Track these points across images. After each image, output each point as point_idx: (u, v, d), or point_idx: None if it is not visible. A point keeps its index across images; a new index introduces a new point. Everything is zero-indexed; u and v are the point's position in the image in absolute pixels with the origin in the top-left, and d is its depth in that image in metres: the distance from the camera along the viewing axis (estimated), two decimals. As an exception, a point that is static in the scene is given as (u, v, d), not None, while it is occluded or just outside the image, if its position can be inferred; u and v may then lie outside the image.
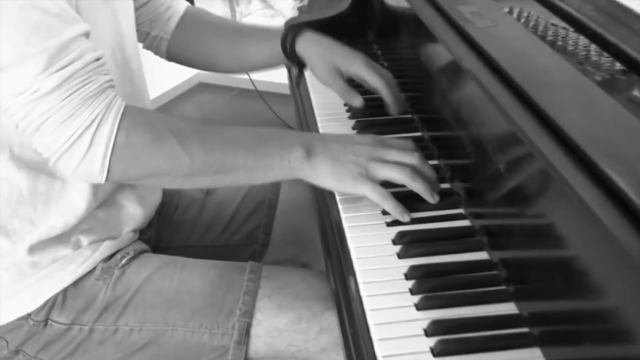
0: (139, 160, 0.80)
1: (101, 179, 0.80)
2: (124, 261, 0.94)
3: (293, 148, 0.82)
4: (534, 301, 0.66)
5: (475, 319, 0.67)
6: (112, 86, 0.82)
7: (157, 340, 0.91)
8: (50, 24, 0.76)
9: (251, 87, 2.42)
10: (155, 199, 1.05)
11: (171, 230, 1.13)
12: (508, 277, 0.71)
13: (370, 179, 0.81)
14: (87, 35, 0.81)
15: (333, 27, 1.37)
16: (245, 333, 0.90)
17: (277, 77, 1.81)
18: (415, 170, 0.82)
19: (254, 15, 2.53)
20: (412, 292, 0.71)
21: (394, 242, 0.79)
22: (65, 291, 0.92)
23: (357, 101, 1.01)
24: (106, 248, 0.95)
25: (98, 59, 0.80)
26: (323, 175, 0.82)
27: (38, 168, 0.88)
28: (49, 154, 0.79)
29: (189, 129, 0.81)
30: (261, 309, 0.91)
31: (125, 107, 0.80)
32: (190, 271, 0.95)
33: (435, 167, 0.88)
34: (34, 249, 0.91)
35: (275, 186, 1.16)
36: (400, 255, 0.76)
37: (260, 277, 0.93)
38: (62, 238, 0.92)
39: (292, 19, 1.39)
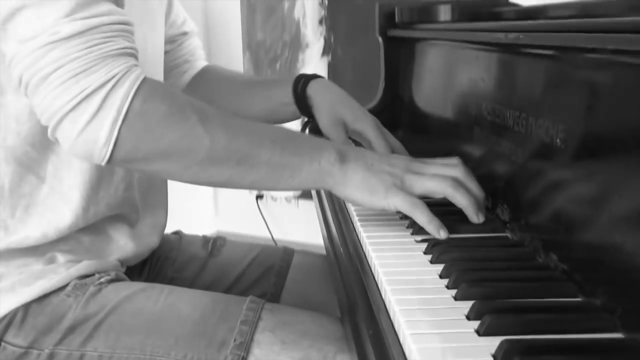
0: (153, 133, 0.68)
1: (105, 152, 0.67)
2: (102, 280, 0.80)
3: (325, 150, 0.72)
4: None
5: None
6: (136, 57, 0.73)
7: (129, 373, 0.74)
8: None
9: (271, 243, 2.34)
10: (152, 240, 0.93)
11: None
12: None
13: (404, 190, 0.70)
14: (120, 3, 0.74)
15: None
16: (239, 370, 0.73)
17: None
18: (458, 182, 0.70)
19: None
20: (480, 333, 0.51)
21: (441, 277, 0.63)
22: (26, 307, 0.78)
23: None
24: (84, 266, 0.81)
25: (128, 25, 0.72)
26: (353, 185, 0.71)
27: (28, 166, 0.78)
28: (51, 113, 0.67)
29: (213, 112, 0.72)
30: (260, 344, 0.74)
31: (146, 77, 0.70)
32: (180, 295, 0.80)
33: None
34: (0, 257, 0.77)
35: (287, 253, 1.03)
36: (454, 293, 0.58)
37: (262, 309, 0.78)
38: (36, 251, 0.79)
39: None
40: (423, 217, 0.68)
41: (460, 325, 0.52)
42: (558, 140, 0.62)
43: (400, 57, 1.30)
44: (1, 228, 0.79)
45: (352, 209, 0.84)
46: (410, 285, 0.60)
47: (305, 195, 2.47)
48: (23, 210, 0.79)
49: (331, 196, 0.94)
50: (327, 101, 0.98)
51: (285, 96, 1.00)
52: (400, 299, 0.56)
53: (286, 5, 2.43)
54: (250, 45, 2.51)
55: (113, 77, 0.67)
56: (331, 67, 2.37)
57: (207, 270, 1.01)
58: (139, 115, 0.67)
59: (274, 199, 2.53)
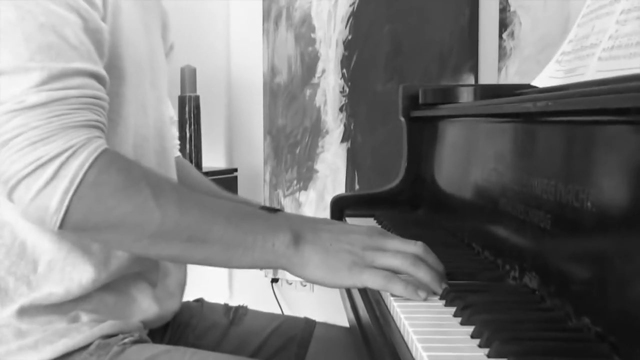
0: (104, 205, 0.70)
1: (56, 220, 0.69)
2: (126, 340, 0.79)
3: (280, 231, 0.73)
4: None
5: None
6: (103, 130, 0.75)
7: None
8: (64, 50, 0.73)
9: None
10: (174, 302, 0.92)
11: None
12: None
13: (367, 267, 0.70)
14: (101, 80, 0.77)
15: (384, 203, 1.34)
16: None
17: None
18: (419, 259, 0.71)
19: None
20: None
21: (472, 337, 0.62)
22: (50, 365, 0.76)
23: None
24: (108, 326, 0.80)
25: (100, 99, 0.75)
26: (312, 266, 0.72)
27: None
28: (7, 177, 0.70)
29: (169, 186, 0.74)
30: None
31: (107, 148, 0.72)
32: (204, 358, 0.79)
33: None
34: (24, 313, 0.77)
35: (309, 324, 1.02)
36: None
37: (285, 374, 0.76)
38: (60, 309, 0.79)
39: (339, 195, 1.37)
40: (398, 288, 0.69)
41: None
42: (589, 204, 0.62)
43: (422, 137, 1.32)
44: (24, 283, 0.79)
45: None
46: (442, 344, 0.59)
47: (322, 279, 2.45)
48: (45, 265, 0.80)
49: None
50: None
51: None
52: (433, 357, 0.55)
53: (308, 92, 2.49)
54: (271, 130, 2.56)
55: (71, 147, 0.70)
56: (350, 153, 2.41)
57: (229, 338, 1.00)
58: (91, 186, 0.69)
59: (289, 282, 2.51)
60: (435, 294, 0.72)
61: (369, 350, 0.72)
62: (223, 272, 2.57)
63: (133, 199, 0.70)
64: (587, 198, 0.62)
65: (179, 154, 1.12)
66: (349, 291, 0.96)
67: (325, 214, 2.48)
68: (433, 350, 0.57)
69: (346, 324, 1.07)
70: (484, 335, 0.58)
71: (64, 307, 0.80)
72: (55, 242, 0.80)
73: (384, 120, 2.31)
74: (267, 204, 2.56)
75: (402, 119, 1.37)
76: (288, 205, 2.52)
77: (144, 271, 0.88)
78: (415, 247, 0.72)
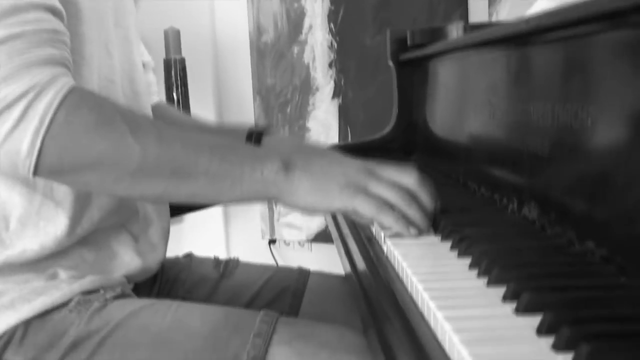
0: (79, 144, 0.65)
1: (29, 164, 0.63)
2: (107, 296, 0.76)
3: (268, 159, 0.69)
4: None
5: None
6: (67, 67, 0.69)
7: (135, 392, 0.69)
8: None
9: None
10: (157, 255, 0.88)
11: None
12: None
13: (360, 191, 0.66)
14: (57, 13, 0.71)
15: (376, 151, 1.30)
16: (254, 386, 0.67)
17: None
18: (412, 195, 0.67)
19: (292, 214, 2.47)
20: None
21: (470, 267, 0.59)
22: (27, 324, 0.73)
23: None
24: (88, 282, 0.77)
25: (58, 33, 0.69)
26: (302, 191, 0.68)
27: (14, 176, 0.75)
28: None
29: (146, 120, 0.69)
30: (276, 356, 0.69)
31: (75, 86, 0.67)
32: (189, 310, 0.75)
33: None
34: None
35: (303, 274, 0.98)
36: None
37: (277, 322, 0.73)
38: (36, 266, 0.75)
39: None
40: (389, 219, 0.66)
41: (496, 308, 0.48)
42: (589, 122, 0.58)
43: (413, 81, 1.28)
44: None
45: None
46: (439, 276, 0.56)
47: (319, 238, 2.42)
48: (17, 221, 0.76)
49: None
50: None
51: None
52: (429, 288, 0.52)
53: (296, 50, 2.43)
54: (261, 90, 2.50)
55: (36, 85, 0.64)
56: (342, 109, 2.36)
57: (219, 291, 0.96)
58: (63, 125, 0.64)
59: (286, 243, 2.48)
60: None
61: (365, 294, 0.69)
62: (220, 234, 2.55)
63: (109, 135, 0.65)
64: (587, 116, 0.59)
65: (157, 99, 1.06)
66: (342, 237, 0.93)
67: (319, 172, 2.45)
68: (429, 283, 0.53)
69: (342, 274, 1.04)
70: (482, 264, 0.55)
71: (41, 265, 0.76)
72: (25, 195, 0.76)
73: (374, 74, 2.26)
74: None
75: (391, 63, 1.32)
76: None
77: (123, 222, 0.84)
78: (410, 178, 0.68)
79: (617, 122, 0.54)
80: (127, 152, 0.65)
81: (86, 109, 0.65)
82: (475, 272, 0.56)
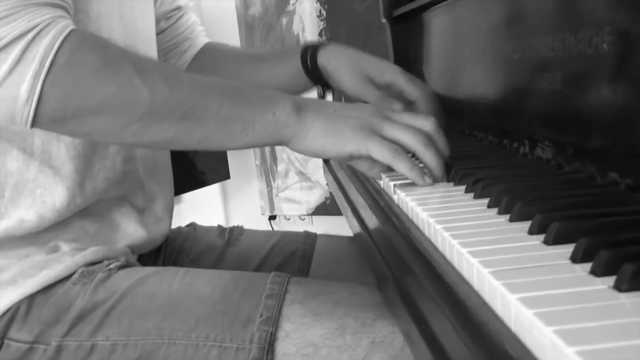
0: (82, 88, 0.60)
1: (28, 112, 0.59)
2: (112, 266, 0.73)
3: (280, 101, 0.66)
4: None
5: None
6: (67, 11, 0.65)
7: (147, 360, 0.67)
8: None
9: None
10: (162, 227, 0.86)
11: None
12: None
13: (374, 134, 0.63)
14: None
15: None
16: (268, 347, 0.65)
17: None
18: (430, 140, 0.64)
19: (291, 188, 2.45)
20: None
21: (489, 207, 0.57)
22: (30, 299, 0.70)
23: (397, 107, 0.85)
24: (91, 253, 0.74)
25: None
26: (314, 133, 0.65)
27: (10, 140, 0.72)
28: None
29: (152, 63, 0.65)
30: (290, 317, 0.67)
31: (75, 28, 0.62)
32: (197, 276, 0.73)
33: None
34: None
35: (310, 237, 0.96)
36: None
37: (288, 282, 0.70)
38: (37, 240, 0.73)
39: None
40: (404, 165, 0.62)
41: (524, 241, 0.45)
42: (605, 46, 0.55)
43: (408, 38, 1.25)
44: None
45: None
46: (458, 217, 0.53)
47: (319, 211, 2.40)
48: (12, 189, 0.72)
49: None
50: (345, 64, 0.91)
51: (294, 71, 0.94)
52: (449, 228, 0.49)
53: (284, 21, 2.39)
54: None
55: (35, 26, 0.60)
56: (335, 78, 2.32)
57: (226, 259, 0.93)
58: (64, 68, 0.59)
59: (287, 218, 2.46)
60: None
61: (379, 248, 0.66)
62: (219, 212, 2.52)
63: (114, 77, 0.61)
64: (602, 40, 0.55)
65: (206, 39, 1.03)
66: (348, 197, 0.90)
67: (316, 144, 2.41)
68: (449, 224, 0.50)
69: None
70: (503, 202, 0.52)
71: (42, 238, 0.74)
72: (22, 161, 0.73)
73: (365, 40, 2.22)
74: (256, 141, 2.49)
75: (385, 20, 1.29)
76: (277, 140, 2.44)
77: (126, 195, 0.81)
78: (427, 122, 0.66)
79: (636, 40, 0.51)
80: (135, 95, 0.61)
81: (89, 50, 0.61)
82: (494, 211, 0.53)
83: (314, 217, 2.40)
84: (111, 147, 0.78)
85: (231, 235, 0.96)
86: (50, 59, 0.59)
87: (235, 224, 1.00)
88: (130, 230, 0.80)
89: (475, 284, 0.42)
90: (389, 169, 0.67)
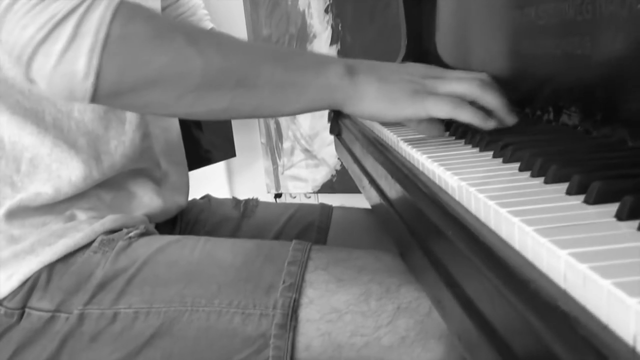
0: (138, 59, 0.60)
1: (88, 86, 0.58)
2: (131, 234, 0.72)
3: (332, 64, 0.66)
4: None
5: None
6: None
7: (170, 327, 0.66)
8: None
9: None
10: (179, 198, 0.85)
11: None
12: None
13: (430, 94, 0.63)
14: None
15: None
16: (292, 314, 0.64)
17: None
18: (485, 84, 0.64)
19: (297, 166, 2.44)
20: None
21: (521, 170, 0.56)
22: (50, 268, 0.70)
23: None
24: (110, 221, 0.73)
25: None
26: (370, 97, 0.64)
27: (24, 116, 0.71)
28: (21, 48, 0.59)
29: (203, 31, 0.65)
30: (313, 283, 0.66)
31: (124, 0, 0.62)
32: (217, 244, 0.72)
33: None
34: (12, 216, 0.70)
35: (326, 209, 0.95)
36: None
37: (310, 249, 0.69)
38: (53, 209, 0.72)
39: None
40: (467, 113, 0.62)
41: (563, 201, 0.44)
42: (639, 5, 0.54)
43: (421, 7, 1.23)
44: (7, 185, 0.71)
45: (389, 134, 0.76)
46: (489, 179, 0.52)
47: (325, 189, 2.39)
48: (28, 163, 0.72)
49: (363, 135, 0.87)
50: None
51: None
52: (483, 190, 0.48)
53: (290, -3, 2.37)
54: (257, 41, 2.44)
55: (85, 0, 0.59)
56: (341, 55, 2.30)
57: (242, 231, 0.93)
58: (119, 40, 0.59)
59: (292, 196, 2.45)
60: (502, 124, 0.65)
61: (403, 218, 0.66)
62: (224, 191, 2.52)
63: (168, 47, 0.61)
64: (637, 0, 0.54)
65: (211, 25, 1.02)
66: (363, 168, 0.89)
67: (322, 121, 2.40)
68: (481, 186, 0.50)
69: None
70: (536, 164, 0.51)
71: (58, 207, 0.73)
72: (37, 136, 0.72)
73: (372, 16, 2.20)
74: (261, 118, 2.47)
75: (397, -5, 1.27)
76: (283, 117, 2.43)
77: (144, 168, 0.81)
78: (480, 74, 0.66)
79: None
80: (190, 64, 0.60)
81: (141, 21, 0.60)
82: (527, 174, 0.52)
83: (319, 195, 2.39)
84: (127, 124, 0.78)
85: (246, 207, 0.95)
86: (104, 31, 0.58)
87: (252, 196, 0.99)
88: (146, 199, 0.80)
89: (516, 243, 0.41)
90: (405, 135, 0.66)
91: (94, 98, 0.60)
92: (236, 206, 0.95)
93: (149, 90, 0.61)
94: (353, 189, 2.39)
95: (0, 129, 0.71)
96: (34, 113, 0.72)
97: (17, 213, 0.71)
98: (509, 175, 0.53)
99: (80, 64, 0.58)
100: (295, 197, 2.46)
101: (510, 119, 0.64)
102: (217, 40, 0.64)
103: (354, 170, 1.00)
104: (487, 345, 0.42)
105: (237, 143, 2.33)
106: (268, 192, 2.48)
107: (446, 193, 0.56)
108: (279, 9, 2.42)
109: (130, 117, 0.78)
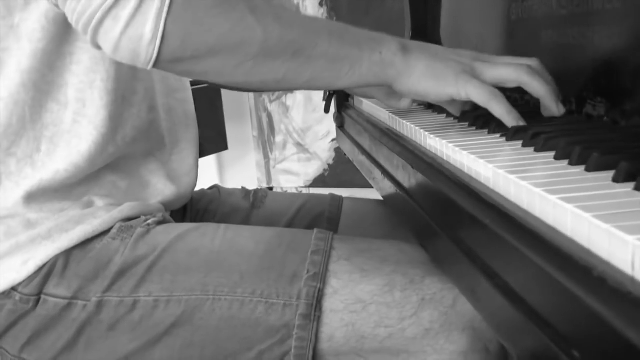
0: (201, 26, 0.60)
1: (153, 50, 0.59)
2: (150, 221, 0.71)
3: (386, 41, 0.66)
4: None
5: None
6: None
7: (191, 316, 0.65)
8: None
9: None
10: (190, 180, 0.84)
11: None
12: None
13: (476, 77, 0.63)
14: None
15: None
16: (316, 304, 0.63)
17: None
18: (534, 71, 0.62)
19: (289, 160, 2.42)
20: None
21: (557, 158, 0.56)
22: (67, 254, 0.68)
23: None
24: (128, 208, 0.72)
25: None
26: (418, 73, 0.65)
27: (48, 92, 0.70)
28: (90, 14, 0.59)
29: (260, 1, 0.64)
30: (337, 273, 0.65)
31: None
32: (238, 232, 0.71)
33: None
34: (31, 199, 0.69)
35: (336, 199, 0.94)
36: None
37: (332, 239, 0.69)
38: (71, 194, 0.71)
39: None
40: (502, 107, 0.62)
41: (613, 189, 0.43)
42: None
43: (427, 3, 1.22)
44: (27, 164, 0.70)
45: (407, 124, 0.76)
46: (525, 168, 0.51)
47: (317, 183, 2.38)
48: (48, 141, 0.71)
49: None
50: None
51: None
52: (524, 178, 0.47)
53: (284, -10, 2.35)
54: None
55: None
56: (335, 48, 2.30)
57: (252, 222, 0.92)
58: (184, 5, 0.59)
59: (284, 190, 2.44)
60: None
61: (424, 208, 0.65)
62: (214, 180, 2.50)
63: (230, 15, 0.61)
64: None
65: None
66: (373, 160, 0.88)
67: (315, 115, 2.39)
68: (519, 174, 0.49)
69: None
70: (575, 153, 0.51)
71: (75, 192, 0.72)
72: (55, 113, 0.71)
73: (367, 9, 2.19)
74: (254, 112, 2.46)
75: (404, -17, 1.26)
76: (275, 111, 2.42)
77: (151, 150, 0.79)
78: (531, 60, 0.66)
79: None
80: (250, 33, 0.61)
81: None
82: (564, 162, 0.52)
83: (311, 189, 2.38)
84: (136, 95, 0.77)
85: (256, 197, 0.94)
86: None
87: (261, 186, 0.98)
88: (160, 186, 0.78)
89: (568, 230, 0.40)
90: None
91: (157, 62, 0.61)
92: (246, 197, 0.94)
93: (209, 57, 0.61)
94: (345, 183, 2.38)
95: (24, 107, 0.70)
96: (56, 87, 0.71)
97: (37, 196, 0.70)
98: (546, 163, 0.53)
99: (148, 28, 0.58)
100: (286, 191, 2.45)
101: (558, 109, 0.64)
102: (275, 10, 0.64)
103: (362, 162, 0.99)
104: (535, 333, 0.41)
105: (229, 136, 2.32)
106: (259, 186, 2.46)
107: (478, 182, 0.56)
108: (273, 2, 2.40)
109: (139, 88, 0.77)
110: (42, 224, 0.69)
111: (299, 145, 2.41)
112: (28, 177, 0.70)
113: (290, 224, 0.91)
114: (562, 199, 0.42)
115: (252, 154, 2.49)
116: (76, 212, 0.71)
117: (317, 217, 0.92)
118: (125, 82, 0.74)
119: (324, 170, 2.39)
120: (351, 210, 0.93)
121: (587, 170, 0.48)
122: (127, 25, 0.59)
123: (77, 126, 0.71)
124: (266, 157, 2.47)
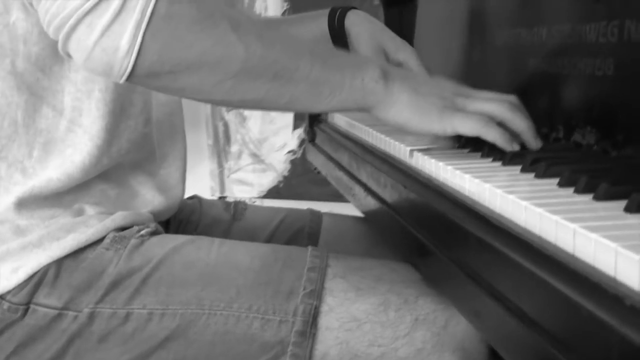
0: (181, 40, 0.58)
1: (127, 64, 0.57)
2: (143, 232, 0.70)
3: (369, 67, 0.66)
4: None
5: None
6: None
7: (185, 330, 0.64)
8: None
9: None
10: (178, 191, 0.83)
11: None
12: None
13: (459, 111, 0.64)
14: None
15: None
16: (312, 321, 0.64)
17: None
18: (514, 106, 0.65)
19: (243, 170, 2.41)
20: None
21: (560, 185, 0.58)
22: (59, 263, 0.67)
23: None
24: (120, 217, 0.71)
25: None
26: (400, 105, 0.65)
27: (42, 97, 0.68)
28: (63, 18, 0.56)
29: (245, 19, 0.64)
30: (333, 291, 0.66)
31: None
32: (233, 246, 0.71)
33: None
34: (22, 205, 0.67)
35: (315, 215, 0.95)
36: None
37: (328, 257, 0.69)
38: (61, 201, 0.69)
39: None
40: (495, 132, 0.63)
41: (625, 219, 0.45)
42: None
43: (401, 20, 1.24)
44: (18, 170, 0.68)
45: (395, 144, 0.76)
46: (532, 195, 0.53)
47: (271, 194, 2.37)
48: (41, 148, 0.69)
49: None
50: (367, 31, 0.93)
51: (319, 31, 0.93)
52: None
53: (246, 0, 2.34)
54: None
55: None
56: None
57: (232, 234, 0.91)
58: (165, 19, 0.57)
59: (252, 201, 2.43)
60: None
61: (417, 228, 0.65)
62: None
63: (211, 32, 0.59)
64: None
65: None
66: (353, 177, 0.89)
67: (272, 127, 2.39)
68: (530, 200, 0.50)
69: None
70: (581, 181, 0.52)
71: (65, 200, 0.70)
72: (51, 119, 0.69)
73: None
74: (210, 120, 2.43)
75: (377, 2, 1.28)
76: (232, 120, 2.40)
77: (140, 161, 0.78)
78: (510, 97, 0.67)
79: None
80: (231, 51, 0.59)
81: (187, 2, 0.59)
82: (569, 190, 0.53)
83: (265, 200, 2.38)
84: (134, 107, 0.76)
85: (236, 209, 0.94)
86: (150, 8, 0.56)
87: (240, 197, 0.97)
88: (149, 197, 0.77)
89: (590, 258, 0.41)
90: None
91: (131, 76, 0.58)
92: (227, 208, 0.94)
93: (188, 73, 0.60)
94: (300, 195, 2.38)
95: (16, 110, 0.68)
96: (52, 93, 0.69)
97: (28, 203, 0.68)
98: (550, 190, 0.54)
99: (124, 40, 0.56)
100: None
101: (535, 143, 0.65)
102: (258, 29, 0.64)
103: (340, 178, 1.00)
104: (549, 354, 0.42)
105: (184, 143, 2.28)
106: (212, 195, 2.44)
107: (481, 205, 0.57)
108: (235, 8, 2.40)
109: (137, 100, 0.76)
110: (32, 231, 0.68)
111: (254, 155, 2.41)
112: (18, 183, 0.68)
113: (271, 238, 0.91)
114: (586, 227, 0.43)
115: (206, 162, 2.47)
116: (67, 220, 0.69)
117: (298, 232, 0.92)
118: (124, 94, 0.73)
119: (279, 181, 2.39)
120: (331, 225, 0.94)
121: (596, 199, 0.50)
122: (102, 34, 0.56)
123: (72, 135, 0.70)
124: (220, 166, 2.45)
